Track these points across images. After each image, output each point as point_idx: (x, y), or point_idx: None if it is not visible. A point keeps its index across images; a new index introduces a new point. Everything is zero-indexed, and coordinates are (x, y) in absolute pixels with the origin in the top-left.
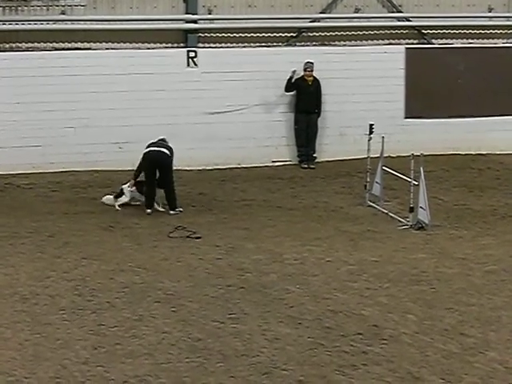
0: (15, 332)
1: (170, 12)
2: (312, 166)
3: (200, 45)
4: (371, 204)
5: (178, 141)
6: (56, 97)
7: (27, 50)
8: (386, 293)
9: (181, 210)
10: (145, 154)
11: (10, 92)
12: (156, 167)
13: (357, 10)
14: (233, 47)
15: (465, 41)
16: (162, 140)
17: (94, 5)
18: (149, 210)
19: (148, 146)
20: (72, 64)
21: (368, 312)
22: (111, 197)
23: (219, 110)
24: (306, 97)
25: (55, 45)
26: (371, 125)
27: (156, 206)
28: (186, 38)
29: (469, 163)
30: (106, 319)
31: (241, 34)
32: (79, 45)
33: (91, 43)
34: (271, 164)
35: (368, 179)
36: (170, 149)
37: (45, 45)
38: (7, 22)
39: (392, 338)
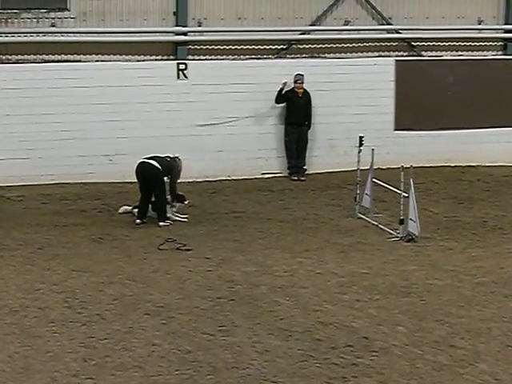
0: (5, 344)
1: (160, 24)
2: (302, 178)
3: (190, 57)
4: (361, 216)
5: (169, 153)
6: (45, 109)
7: (17, 62)
8: (376, 305)
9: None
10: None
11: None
12: (142, 178)
13: (346, 23)
14: (223, 59)
15: (454, 53)
16: (166, 156)
17: (84, 17)
18: (138, 221)
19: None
20: (62, 76)
21: (358, 324)
22: (129, 208)
23: (209, 122)
24: (296, 109)
25: (45, 57)
26: (361, 137)
27: (172, 216)
28: (175, 51)
29: (459, 175)
30: (95, 331)
31: (231, 47)
32: (69, 57)
33: (81, 55)
34: (261, 176)
35: (358, 191)
36: (164, 162)
37: (35, 57)
38: None
39: (382, 350)
